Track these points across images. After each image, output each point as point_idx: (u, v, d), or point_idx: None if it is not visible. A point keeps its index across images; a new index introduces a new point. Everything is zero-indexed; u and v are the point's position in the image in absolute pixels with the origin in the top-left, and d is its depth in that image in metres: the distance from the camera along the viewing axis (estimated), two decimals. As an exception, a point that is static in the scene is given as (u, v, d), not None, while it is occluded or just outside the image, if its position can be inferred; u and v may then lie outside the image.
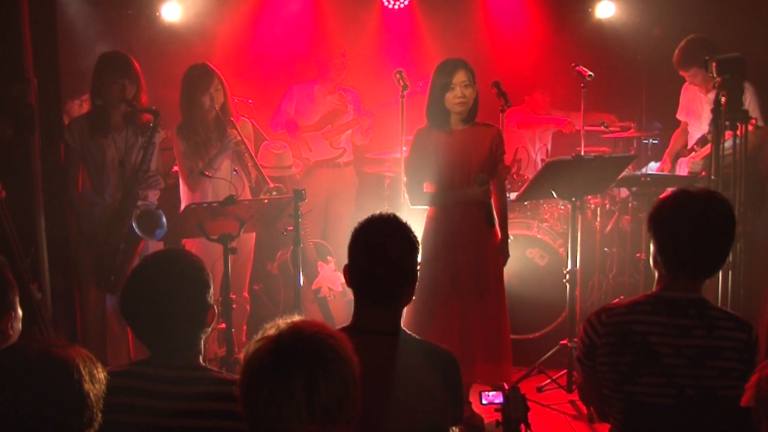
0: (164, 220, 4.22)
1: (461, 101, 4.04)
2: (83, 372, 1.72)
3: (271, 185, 4.49)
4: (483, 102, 4.25)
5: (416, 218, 4.29)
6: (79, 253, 4.41)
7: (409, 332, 2.39)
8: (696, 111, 5.33)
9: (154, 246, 4.31)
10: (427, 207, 4.22)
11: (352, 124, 5.69)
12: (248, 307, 5.05)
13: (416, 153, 4.16)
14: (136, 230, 4.14)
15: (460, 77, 4.04)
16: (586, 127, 5.18)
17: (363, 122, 5.70)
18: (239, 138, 4.54)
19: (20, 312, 2.33)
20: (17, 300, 2.31)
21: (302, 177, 5.61)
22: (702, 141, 5.15)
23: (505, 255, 4.23)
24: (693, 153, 5.23)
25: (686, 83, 5.38)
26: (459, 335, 4.08)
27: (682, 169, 5.36)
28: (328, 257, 5.37)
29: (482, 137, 4.14)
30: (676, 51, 5.15)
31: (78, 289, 4.45)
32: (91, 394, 1.72)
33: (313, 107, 5.71)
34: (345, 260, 2.40)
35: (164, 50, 5.97)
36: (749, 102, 4.93)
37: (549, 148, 6.40)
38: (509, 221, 5.26)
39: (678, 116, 5.54)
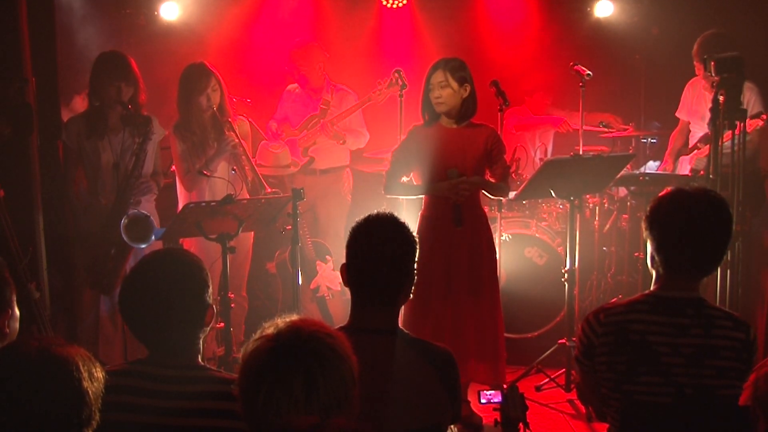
0: (155, 226, 4.22)
1: (437, 101, 4.13)
2: (82, 370, 1.72)
3: (269, 190, 4.48)
4: (482, 102, 4.26)
5: (414, 217, 4.30)
6: (76, 253, 4.41)
7: (406, 331, 2.39)
8: (700, 110, 5.30)
9: (151, 246, 4.30)
10: (401, 197, 4.52)
11: (316, 133, 5.43)
12: (246, 306, 5.05)
13: (403, 148, 4.27)
14: (125, 238, 4.13)
15: (436, 78, 4.12)
16: (584, 127, 5.18)
17: (326, 131, 5.38)
18: (236, 141, 4.53)
19: (17, 312, 2.32)
20: (14, 299, 2.30)
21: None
22: (705, 139, 5.12)
23: (468, 182, 4.06)
24: (696, 150, 5.21)
25: (691, 81, 5.34)
26: (451, 335, 4.08)
27: (684, 166, 5.34)
28: (327, 256, 5.36)
29: (476, 137, 4.15)
30: (697, 43, 5.03)
31: (74, 289, 4.45)
32: (90, 393, 1.72)
33: (297, 111, 5.58)
34: (339, 261, 2.40)
35: (162, 49, 5.96)
36: (754, 101, 4.91)
37: (549, 148, 6.39)
38: (507, 220, 5.31)
39: (677, 114, 5.51)
